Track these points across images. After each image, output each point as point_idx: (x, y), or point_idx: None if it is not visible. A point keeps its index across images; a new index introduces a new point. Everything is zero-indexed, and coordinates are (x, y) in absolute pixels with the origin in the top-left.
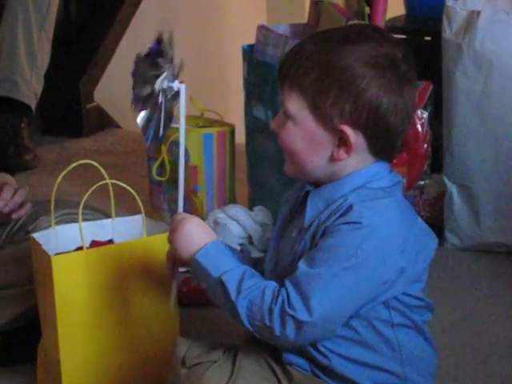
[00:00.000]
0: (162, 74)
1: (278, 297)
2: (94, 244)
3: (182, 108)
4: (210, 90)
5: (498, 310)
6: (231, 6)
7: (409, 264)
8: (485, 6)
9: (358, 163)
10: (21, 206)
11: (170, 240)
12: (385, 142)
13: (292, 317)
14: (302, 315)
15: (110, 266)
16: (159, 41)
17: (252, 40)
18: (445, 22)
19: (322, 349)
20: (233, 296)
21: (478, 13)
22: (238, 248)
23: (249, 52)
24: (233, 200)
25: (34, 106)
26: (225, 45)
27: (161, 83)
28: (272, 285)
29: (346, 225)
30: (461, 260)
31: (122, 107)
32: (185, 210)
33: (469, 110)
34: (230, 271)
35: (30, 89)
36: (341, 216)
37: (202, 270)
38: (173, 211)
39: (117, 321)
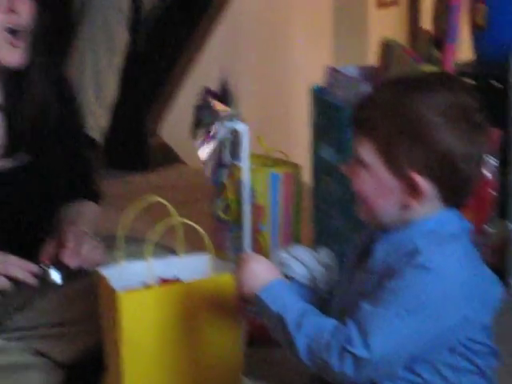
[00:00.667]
0: (221, 116)
1: (337, 333)
2: (162, 282)
3: (244, 148)
4: (274, 130)
5: None
6: (297, 46)
7: (473, 312)
8: None
9: (429, 210)
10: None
11: (236, 278)
12: (456, 190)
13: (350, 353)
14: (361, 352)
15: (177, 305)
16: (207, 91)
17: (317, 80)
18: None
19: None
20: (292, 331)
21: None
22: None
23: (318, 93)
24: (297, 240)
25: (99, 140)
26: (290, 84)
27: (221, 124)
28: (331, 321)
29: (412, 268)
30: None
31: (187, 143)
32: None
33: None
34: (289, 307)
35: (96, 122)
36: (408, 259)
37: (263, 306)
38: (237, 250)
39: (182, 359)
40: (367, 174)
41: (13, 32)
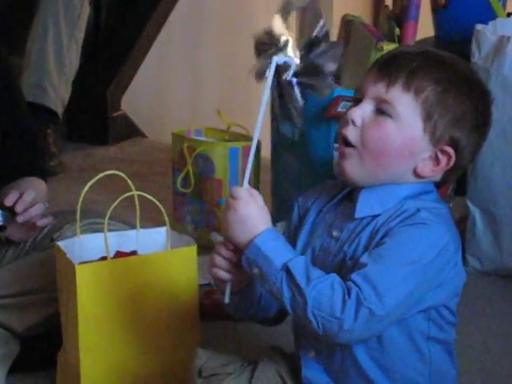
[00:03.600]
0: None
1: (350, 290)
2: (119, 254)
3: (268, 80)
4: (235, 104)
5: None
6: (260, 20)
7: (455, 274)
8: None
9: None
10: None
11: (226, 218)
12: (458, 172)
13: (369, 309)
14: (377, 308)
15: (133, 277)
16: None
17: None
18: (474, 46)
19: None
20: (302, 284)
21: (508, 38)
22: None
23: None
24: None
25: (60, 113)
26: (252, 59)
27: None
28: (338, 278)
29: (414, 226)
30: (481, 284)
31: (148, 116)
32: (208, 223)
33: (495, 135)
34: (294, 259)
35: (58, 95)
36: (407, 218)
37: (261, 255)
38: (196, 223)
39: (137, 331)
40: (396, 128)
41: None
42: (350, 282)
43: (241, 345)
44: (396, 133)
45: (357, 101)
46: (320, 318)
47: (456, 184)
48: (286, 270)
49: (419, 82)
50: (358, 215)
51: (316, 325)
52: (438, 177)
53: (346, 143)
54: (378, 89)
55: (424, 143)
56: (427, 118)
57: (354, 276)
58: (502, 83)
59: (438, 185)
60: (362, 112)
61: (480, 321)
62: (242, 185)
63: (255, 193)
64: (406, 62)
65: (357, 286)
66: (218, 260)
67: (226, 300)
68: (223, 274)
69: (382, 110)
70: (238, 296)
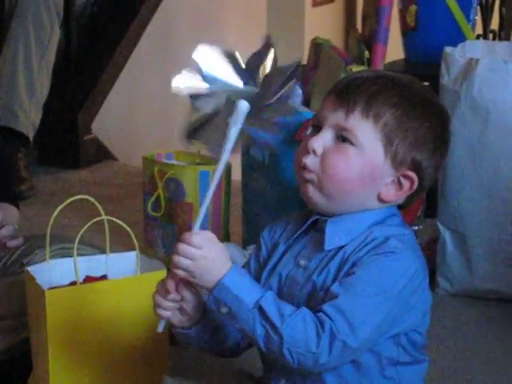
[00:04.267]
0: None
1: (322, 323)
2: (88, 279)
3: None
4: None
5: (488, 357)
6: (231, 44)
7: (425, 299)
8: (483, 53)
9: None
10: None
11: (191, 269)
12: (420, 194)
13: (343, 342)
14: (351, 341)
15: (102, 302)
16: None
17: None
18: (443, 68)
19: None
20: (277, 323)
21: (477, 61)
22: None
23: None
24: (227, 238)
25: (31, 137)
26: None
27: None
28: (309, 312)
29: (384, 255)
30: (452, 306)
31: (119, 140)
32: None
33: (464, 157)
34: (264, 296)
35: (29, 119)
36: (376, 247)
37: (230, 295)
38: (167, 247)
39: (107, 356)
40: (357, 156)
41: None
42: (321, 314)
43: (209, 370)
44: (357, 159)
45: (315, 127)
46: (296, 353)
47: (426, 206)
48: (259, 308)
49: (377, 107)
50: (327, 247)
51: (291, 360)
52: (401, 200)
53: (305, 169)
54: (337, 116)
55: (386, 168)
56: (388, 143)
57: (325, 307)
58: (470, 105)
59: (401, 206)
60: (323, 141)
61: (451, 342)
62: (196, 225)
63: (208, 232)
64: (363, 87)
65: (329, 318)
66: (158, 299)
67: (159, 330)
68: (163, 312)
69: (342, 138)
70: (191, 329)
